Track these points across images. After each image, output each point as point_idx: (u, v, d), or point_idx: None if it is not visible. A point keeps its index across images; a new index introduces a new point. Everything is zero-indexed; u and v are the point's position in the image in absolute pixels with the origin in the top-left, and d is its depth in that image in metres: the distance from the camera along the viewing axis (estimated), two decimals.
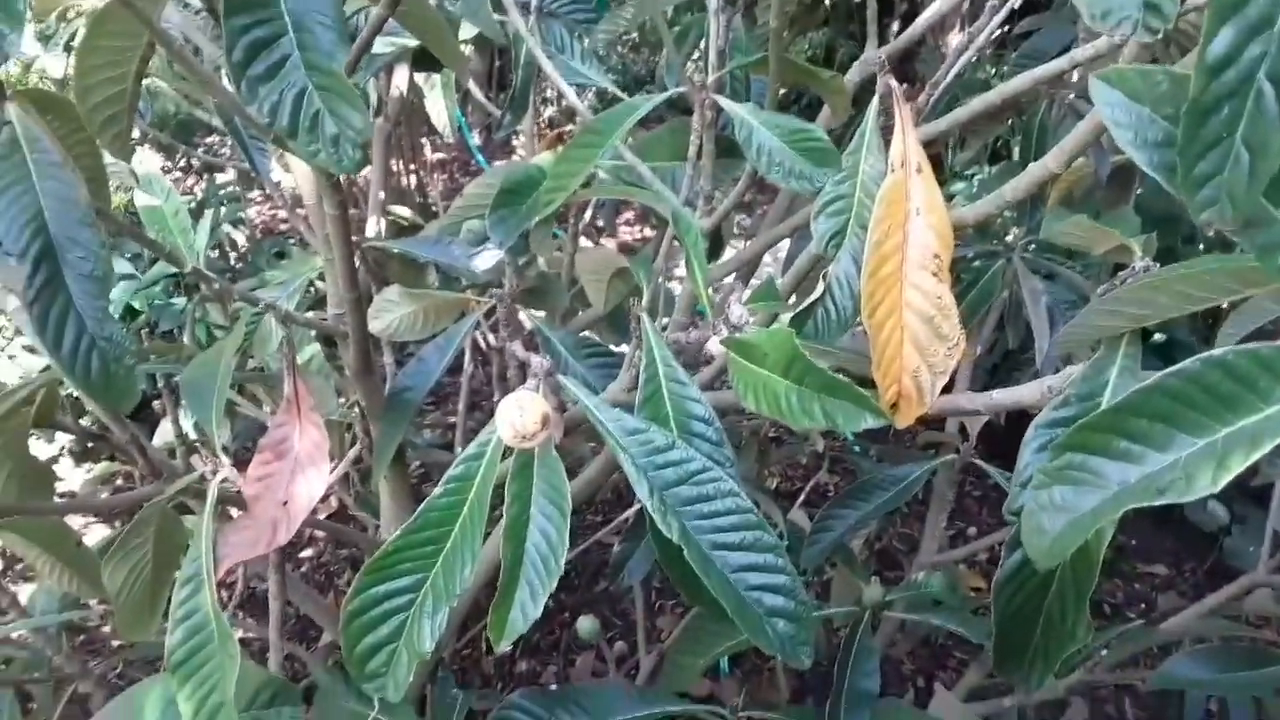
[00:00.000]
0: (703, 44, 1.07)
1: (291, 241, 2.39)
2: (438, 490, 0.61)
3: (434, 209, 2.00)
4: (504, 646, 0.58)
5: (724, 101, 0.75)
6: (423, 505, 0.61)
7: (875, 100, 0.72)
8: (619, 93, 0.99)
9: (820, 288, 0.73)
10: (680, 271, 0.82)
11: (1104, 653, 1.02)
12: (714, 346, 0.72)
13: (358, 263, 1.19)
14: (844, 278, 0.72)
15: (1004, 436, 1.41)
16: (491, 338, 1.29)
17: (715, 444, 0.67)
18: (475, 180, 1.24)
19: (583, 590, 1.97)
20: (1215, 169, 0.33)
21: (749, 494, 1.61)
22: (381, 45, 1.22)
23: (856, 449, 2.30)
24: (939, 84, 0.84)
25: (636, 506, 1.46)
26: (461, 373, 1.28)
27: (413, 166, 2.48)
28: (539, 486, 0.60)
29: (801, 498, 2.13)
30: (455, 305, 1.08)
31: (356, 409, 1.23)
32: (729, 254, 1.13)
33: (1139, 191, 1.40)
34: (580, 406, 0.63)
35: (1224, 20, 0.31)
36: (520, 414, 0.56)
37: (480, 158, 2.34)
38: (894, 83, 0.72)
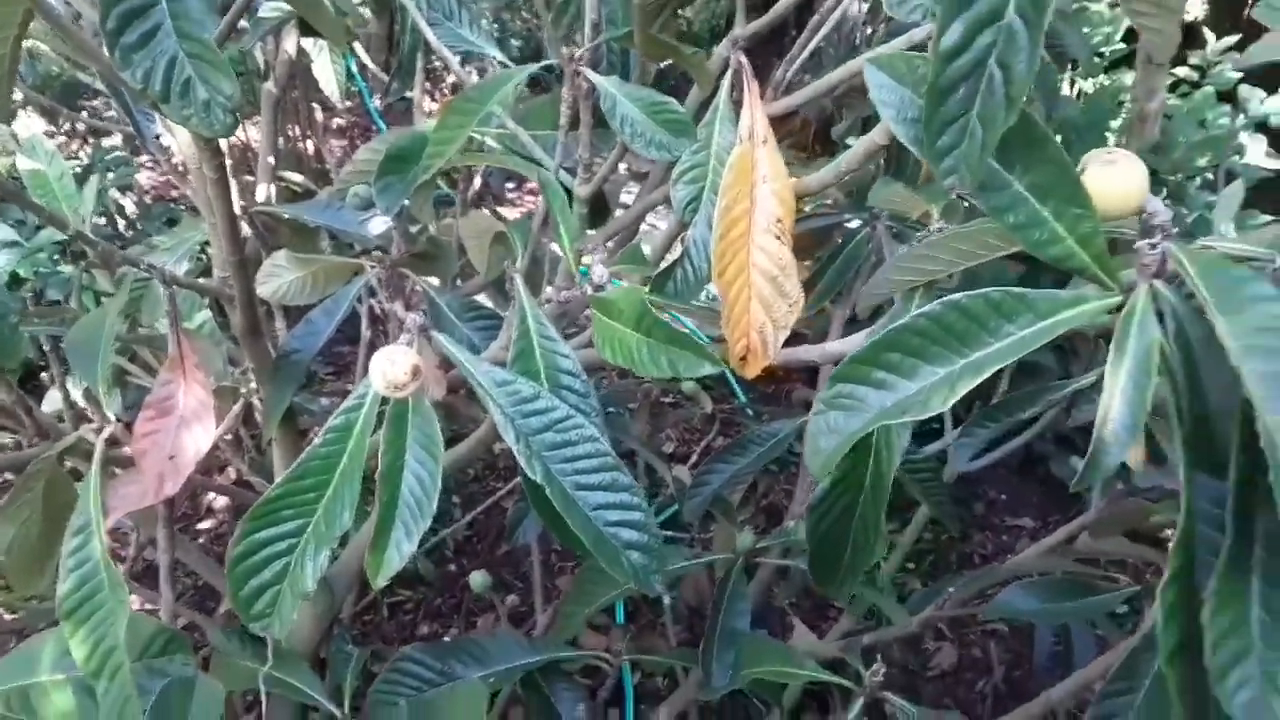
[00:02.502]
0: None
1: (183, 208, 2.35)
2: (318, 439, 0.65)
3: (330, 175, 2.00)
4: (381, 582, 0.63)
5: (590, 74, 0.80)
6: (304, 454, 0.65)
7: (728, 76, 0.78)
8: (506, 61, 1.03)
9: (678, 250, 0.79)
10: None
11: (951, 591, 1.12)
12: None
13: (245, 227, 1.21)
14: (699, 241, 0.79)
15: None
16: (386, 305, 1.31)
17: (582, 395, 0.72)
18: (365, 146, 1.26)
19: (485, 554, 2.02)
20: (954, 142, 0.40)
21: (643, 454, 1.68)
22: (268, 9, 1.22)
23: (749, 412, 2.40)
24: (794, 60, 0.90)
25: None
26: (360, 342, 1.31)
27: (308, 132, 2.46)
28: (413, 434, 0.64)
29: (693, 459, 2.21)
30: (344, 270, 1.11)
31: (250, 374, 1.25)
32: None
33: None
34: (455, 360, 0.68)
35: (955, 15, 0.38)
36: (391, 365, 0.61)
37: (381, 123, 2.33)
38: (744, 59, 0.78)
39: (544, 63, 0.85)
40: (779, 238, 0.73)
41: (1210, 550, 0.37)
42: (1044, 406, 0.90)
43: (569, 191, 1.00)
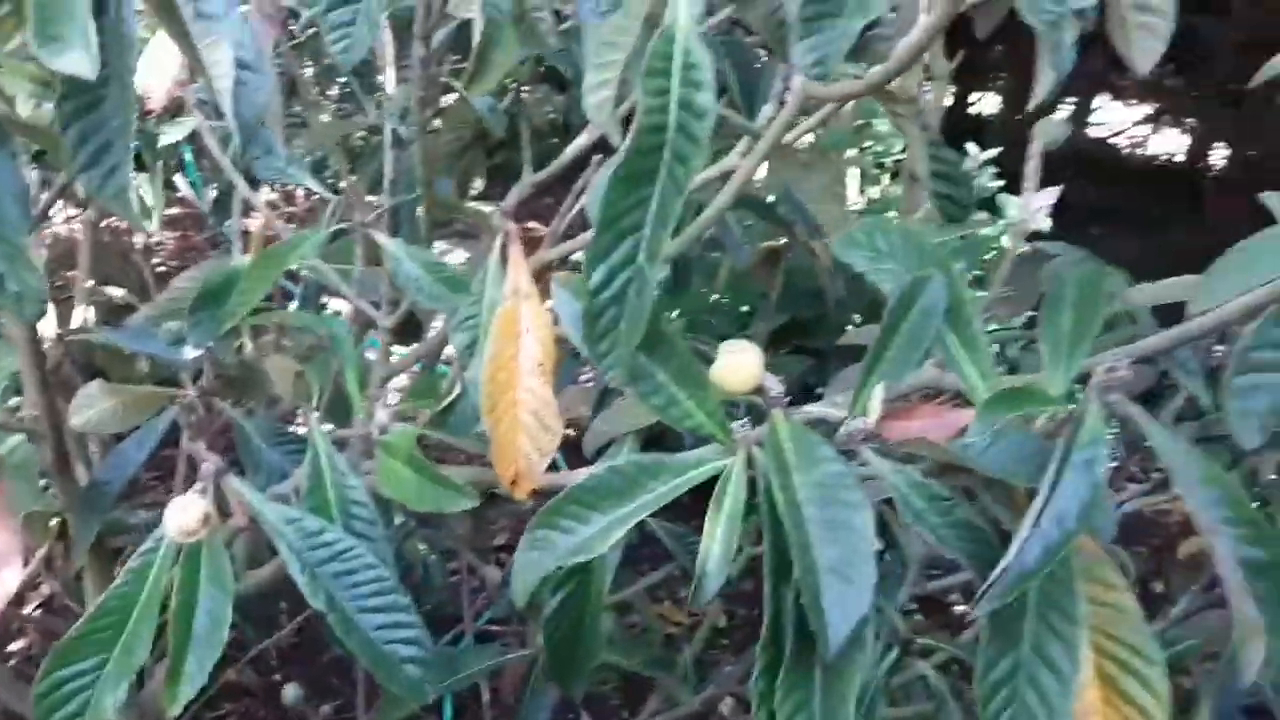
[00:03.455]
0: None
1: None
2: (117, 581, 0.73)
3: (150, 290, 2.03)
4: (176, 710, 0.70)
5: (379, 237, 0.92)
6: (103, 595, 0.72)
7: (498, 240, 0.92)
8: (326, 192, 1.14)
9: (457, 388, 0.91)
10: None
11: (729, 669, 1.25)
12: None
13: (62, 359, 1.26)
14: (475, 381, 0.91)
15: None
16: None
17: (369, 522, 0.82)
18: (183, 275, 1.33)
19: (311, 661, 2.04)
20: (608, 348, 0.54)
21: (464, 554, 1.76)
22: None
23: None
24: (565, 215, 1.05)
25: None
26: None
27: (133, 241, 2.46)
28: (205, 572, 0.73)
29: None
30: (156, 399, 1.17)
31: None
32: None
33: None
34: (246, 502, 0.77)
35: (598, 262, 0.52)
36: (184, 514, 0.69)
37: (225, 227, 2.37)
38: (510, 226, 0.92)
39: (338, 225, 0.96)
40: (541, 379, 0.86)
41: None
42: None
43: (373, 325, 1.11)
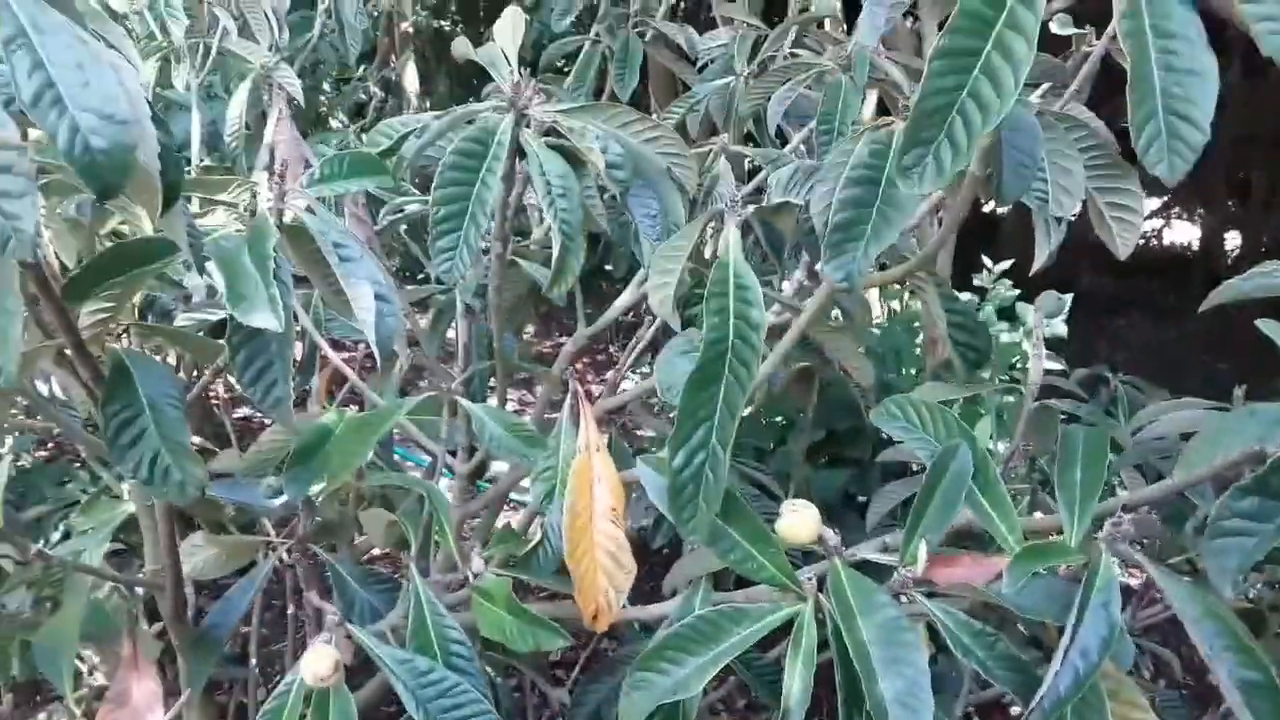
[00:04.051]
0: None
1: (76, 465, 2.45)
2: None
3: (228, 436, 2.17)
4: None
5: (464, 403, 1.04)
6: None
7: (568, 400, 1.04)
8: (403, 355, 1.27)
9: (538, 534, 1.01)
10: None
11: None
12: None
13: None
14: (555, 526, 1.01)
15: None
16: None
17: (468, 660, 0.92)
18: (269, 430, 1.46)
19: None
20: (690, 515, 0.64)
21: (529, 674, 1.83)
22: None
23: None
24: (622, 369, 1.17)
25: None
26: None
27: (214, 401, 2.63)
28: (334, 712, 0.82)
29: (581, 662, 2.35)
30: (253, 547, 1.28)
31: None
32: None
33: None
34: (367, 649, 0.87)
35: (679, 446, 0.63)
36: (319, 662, 0.80)
37: None
38: (577, 386, 1.04)
39: (424, 395, 1.09)
40: (614, 522, 0.96)
41: None
42: None
43: (450, 469, 1.22)
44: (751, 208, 0.85)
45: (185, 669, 1.18)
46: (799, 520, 0.67)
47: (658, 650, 0.64)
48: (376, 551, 1.45)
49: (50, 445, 3.27)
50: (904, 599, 0.63)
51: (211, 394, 2.54)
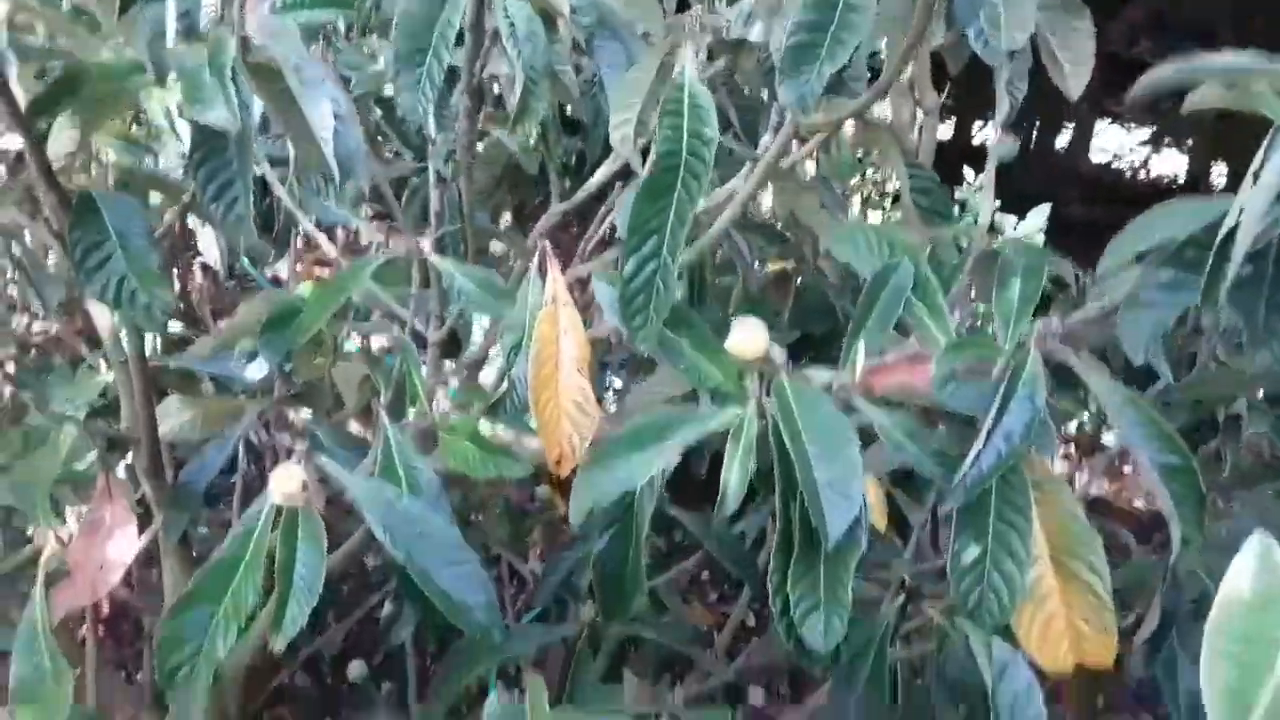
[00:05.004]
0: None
1: (57, 360, 2.46)
2: (226, 543, 0.85)
3: (202, 323, 2.18)
4: (282, 644, 0.82)
5: (432, 258, 1.06)
6: (214, 555, 0.85)
7: (535, 258, 1.05)
8: (372, 232, 1.28)
9: (504, 384, 1.04)
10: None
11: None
12: None
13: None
14: (521, 377, 1.03)
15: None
16: (264, 436, 1.51)
17: (434, 496, 0.95)
18: (244, 304, 1.47)
19: (367, 659, 2.16)
20: (640, 324, 0.67)
21: (506, 555, 1.88)
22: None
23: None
24: (591, 239, 1.19)
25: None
26: (235, 472, 1.49)
27: (188, 288, 2.64)
28: (302, 535, 0.85)
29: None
30: (230, 409, 1.31)
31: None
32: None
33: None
34: (334, 475, 0.89)
35: (630, 254, 0.65)
36: (287, 481, 0.82)
37: (258, 275, 2.53)
38: (545, 244, 1.06)
39: (393, 252, 1.10)
40: (580, 372, 0.99)
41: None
42: None
43: (422, 338, 1.25)
44: (710, 36, 0.86)
45: (162, 525, 1.21)
46: (748, 337, 0.70)
47: (611, 446, 0.66)
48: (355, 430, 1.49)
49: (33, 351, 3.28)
50: (843, 406, 0.65)
51: (191, 289, 2.55)
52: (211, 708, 1.23)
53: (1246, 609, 0.38)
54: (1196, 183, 6.01)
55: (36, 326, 1.78)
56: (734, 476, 0.62)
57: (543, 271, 1.06)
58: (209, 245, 1.57)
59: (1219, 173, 6.00)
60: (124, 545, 0.90)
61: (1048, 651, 0.59)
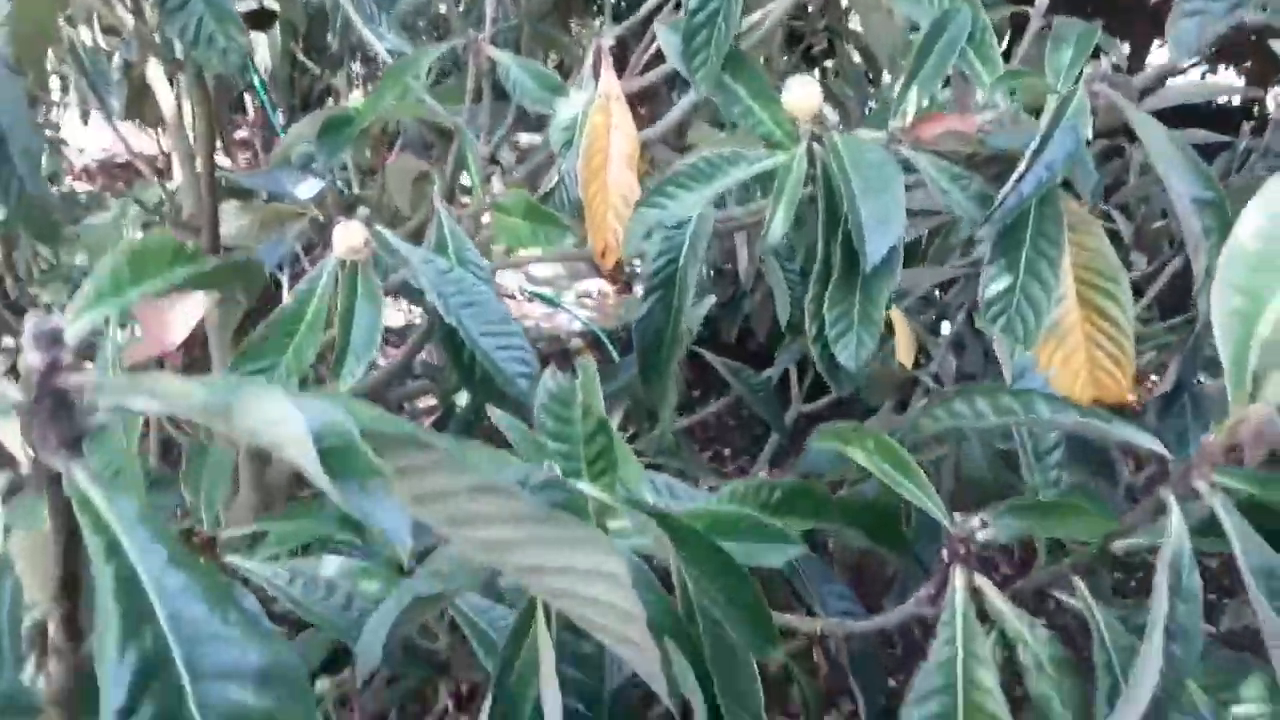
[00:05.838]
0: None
1: (107, 193, 2.52)
2: (289, 298, 0.90)
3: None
4: (343, 387, 0.87)
5: (490, 49, 1.08)
6: (278, 309, 0.90)
7: (589, 56, 1.07)
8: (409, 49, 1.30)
9: (556, 177, 1.07)
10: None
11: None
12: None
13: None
14: (571, 171, 1.06)
15: None
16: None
17: (482, 271, 0.99)
18: (298, 122, 1.51)
19: None
20: (701, 63, 0.69)
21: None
22: None
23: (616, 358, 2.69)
24: (643, 52, 1.20)
25: None
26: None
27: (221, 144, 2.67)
28: (361, 291, 0.90)
29: None
30: (285, 215, 1.35)
31: None
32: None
33: None
34: (390, 245, 0.93)
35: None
36: (350, 235, 0.86)
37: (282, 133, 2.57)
38: (604, 44, 1.07)
39: (453, 41, 1.12)
40: (628, 167, 1.01)
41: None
42: None
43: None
44: None
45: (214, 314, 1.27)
46: (804, 93, 0.72)
47: (662, 186, 0.69)
48: None
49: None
50: (892, 150, 0.67)
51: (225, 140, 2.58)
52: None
53: (1259, 241, 0.41)
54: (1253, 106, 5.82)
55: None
56: (780, 214, 0.65)
57: (597, 72, 1.08)
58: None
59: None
60: (188, 303, 0.95)
61: (1066, 383, 0.62)
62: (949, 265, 1.30)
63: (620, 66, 1.32)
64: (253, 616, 0.26)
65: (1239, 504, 0.45)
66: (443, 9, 1.40)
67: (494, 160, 1.30)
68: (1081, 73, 0.65)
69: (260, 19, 1.44)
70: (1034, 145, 0.60)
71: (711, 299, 1.45)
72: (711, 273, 2.10)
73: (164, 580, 0.25)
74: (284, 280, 1.55)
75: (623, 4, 1.29)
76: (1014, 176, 0.60)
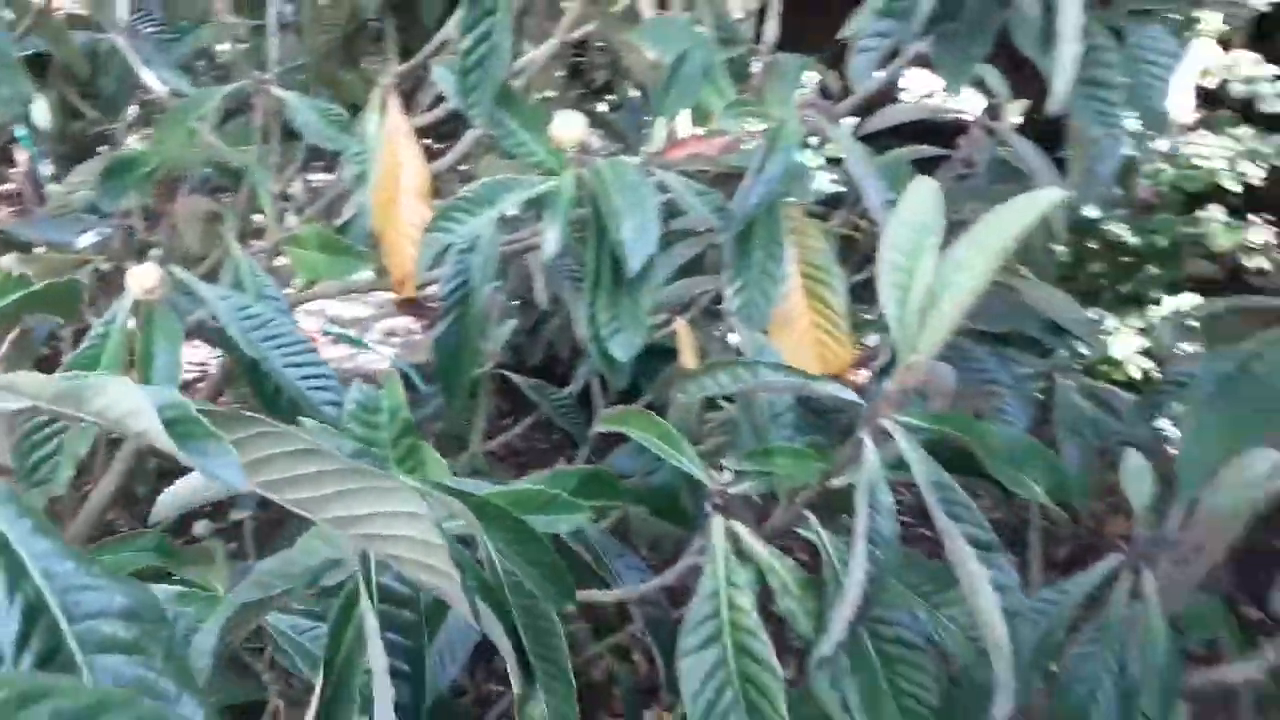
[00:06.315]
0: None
1: None
2: (89, 336, 0.90)
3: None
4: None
5: (277, 90, 1.12)
6: (73, 354, 0.90)
7: (375, 94, 1.13)
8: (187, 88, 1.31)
9: (352, 211, 1.12)
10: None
11: None
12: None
13: None
14: (365, 204, 1.11)
15: None
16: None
17: (279, 304, 1.02)
18: (76, 169, 1.47)
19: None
20: (477, 100, 0.77)
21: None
22: None
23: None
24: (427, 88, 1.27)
25: None
26: None
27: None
28: (159, 327, 0.91)
29: None
30: (68, 264, 1.32)
31: None
32: None
33: None
34: (189, 285, 0.96)
35: (466, 33, 0.75)
36: (145, 276, 0.88)
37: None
38: (388, 80, 1.14)
39: (238, 84, 1.15)
40: (420, 200, 1.08)
41: None
42: None
43: None
44: None
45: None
46: (568, 125, 0.81)
47: (447, 211, 0.77)
48: None
49: None
50: (647, 172, 0.78)
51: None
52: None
53: (909, 229, 0.54)
54: None
55: None
56: (553, 230, 0.74)
57: (383, 105, 1.15)
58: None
59: None
60: None
61: (798, 358, 0.74)
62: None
63: (411, 100, 1.39)
64: (112, 568, 0.32)
65: (925, 443, 0.58)
66: (225, 48, 1.41)
67: (286, 197, 1.33)
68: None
69: (37, 65, 1.40)
70: (755, 164, 0.72)
71: (513, 322, 1.53)
72: (516, 303, 2.18)
73: (32, 545, 0.30)
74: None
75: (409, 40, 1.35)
76: (741, 191, 0.72)
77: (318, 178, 1.56)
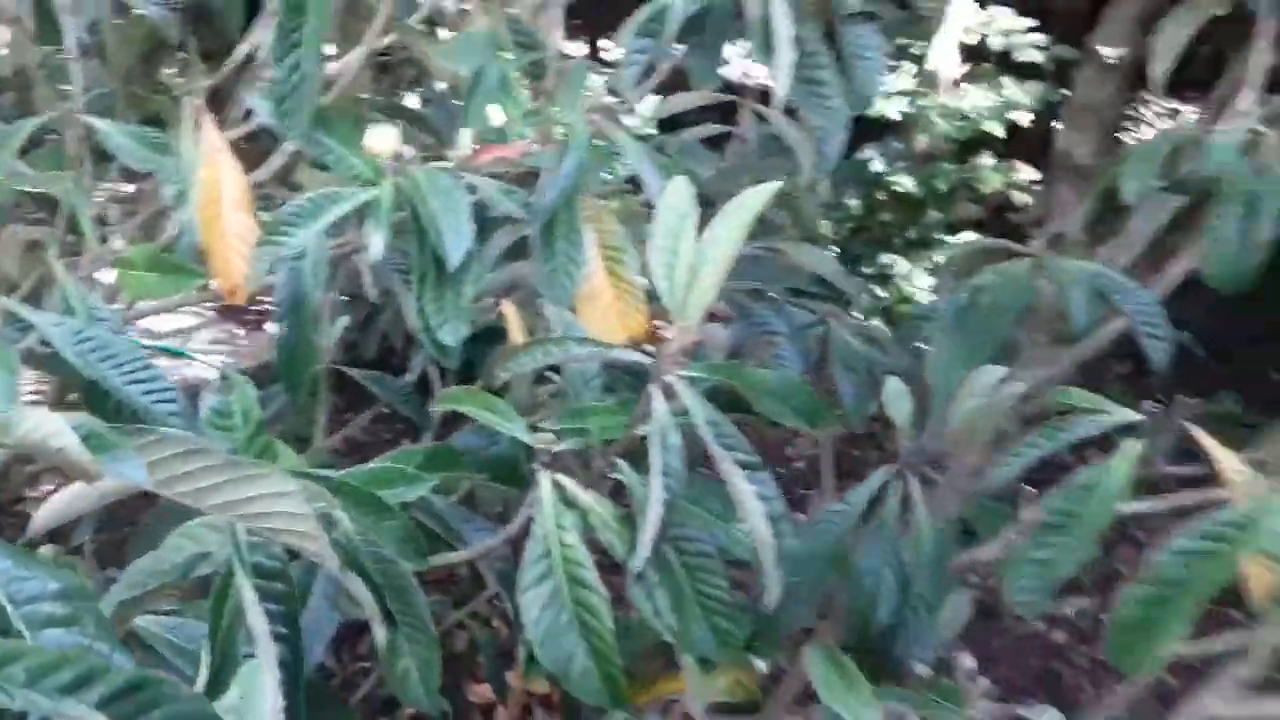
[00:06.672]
0: None
1: None
2: None
3: None
4: None
5: (87, 119, 1.14)
6: None
7: (186, 113, 1.16)
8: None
9: (176, 228, 1.15)
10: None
11: None
12: None
13: None
14: (190, 221, 1.15)
15: None
16: None
17: (110, 323, 1.05)
18: None
19: None
20: (292, 123, 0.84)
21: None
22: None
23: None
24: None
25: None
26: None
27: None
28: None
29: None
30: None
31: None
32: None
33: None
34: (19, 313, 0.98)
35: (279, 62, 0.82)
36: None
37: None
38: (199, 99, 1.17)
39: (47, 115, 1.15)
40: (242, 211, 1.13)
41: None
42: None
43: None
44: None
45: None
46: (382, 139, 0.89)
47: (274, 226, 0.84)
48: None
49: None
50: (457, 176, 0.87)
51: None
52: None
53: (672, 216, 0.66)
54: None
55: None
56: (377, 236, 0.82)
57: (196, 124, 1.18)
58: None
59: None
60: None
61: (605, 329, 0.86)
62: None
63: (222, 113, 1.41)
64: (45, 560, 0.41)
65: (706, 391, 0.70)
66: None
67: (103, 221, 1.33)
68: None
69: None
70: (551, 165, 0.83)
71: (346, 319, 1.58)
72: (346, 299, 2.21)
73: None
74: None
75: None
76: (539, 189, 0.82)
77: (124, 188, 1.55)
